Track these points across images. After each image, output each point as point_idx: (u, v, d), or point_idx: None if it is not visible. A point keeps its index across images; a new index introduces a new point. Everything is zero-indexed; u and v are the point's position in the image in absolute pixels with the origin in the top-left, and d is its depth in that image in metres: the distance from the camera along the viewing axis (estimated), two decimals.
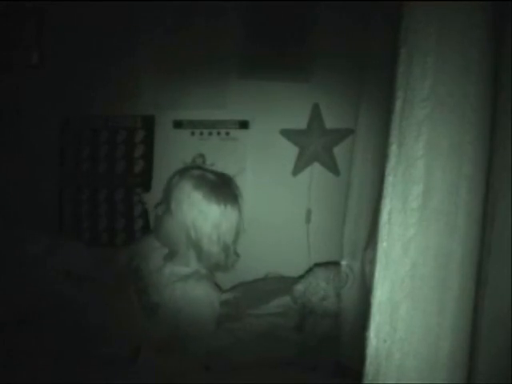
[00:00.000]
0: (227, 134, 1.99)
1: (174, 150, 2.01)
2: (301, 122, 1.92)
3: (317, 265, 1.83)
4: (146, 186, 2.03)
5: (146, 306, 1.57)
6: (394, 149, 0.86)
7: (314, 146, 1.91)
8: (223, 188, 1.65)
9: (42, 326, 1.47)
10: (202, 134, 2.00)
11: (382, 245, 0.85)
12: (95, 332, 1.47)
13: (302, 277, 1.80)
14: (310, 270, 1.82)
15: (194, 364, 1.47)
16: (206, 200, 1.59)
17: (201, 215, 1.59)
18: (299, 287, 1.75)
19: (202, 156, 1.99)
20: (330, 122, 1.91)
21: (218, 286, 1.70)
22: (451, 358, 0.83)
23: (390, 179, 0.86)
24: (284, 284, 1.82)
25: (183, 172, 1.67)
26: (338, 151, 1.91)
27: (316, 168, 1.93)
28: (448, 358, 0.83)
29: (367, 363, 0.85)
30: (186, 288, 1.58)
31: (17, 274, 1.55)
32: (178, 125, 2.02)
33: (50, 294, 1.54)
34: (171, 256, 1.69)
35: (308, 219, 1.94)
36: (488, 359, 0.89)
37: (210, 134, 2.00)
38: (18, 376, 1.31)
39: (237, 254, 1.70)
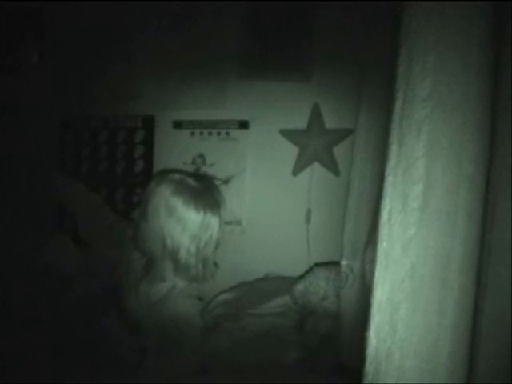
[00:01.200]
0: (227, 134, 1.99)
1: (174, 149, 2.01)
2: (301, 122, 1.92)
3: (317, 265, 1.84)
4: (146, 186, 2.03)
5: (127, 325, 1.53)
6: (394, 149, 0.86)
7: (314, 146, 1.91)
8: (204, 195, 1.56)
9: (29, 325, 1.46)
10: (202, 134, 2.00)
11: (382, 245, 0.85)
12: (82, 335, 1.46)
13: (302, 277, 1.81)
14: (310, 270, 1.82)
15: (192, 366, 1.47)
16: (184, 208, 1.51)
17: (179, 225, 1.51)
18: (299, 287, 1.75)
19: (201, 156, 1.99)
20: (330, 122, 1.91)
21: (198, 298, 1.64)
22: (451, 358, 0.83)
23: (389, 179, 0.86)
24: (284, 284, 1.82)
25: (162, 176, 1.58)
26: (338, 151, 1.91)
27: (316, 168, 1.93)
28: (448, 358, 0.83)
29: (367, 363, 0.85)
30: (165, 309, 1.52)
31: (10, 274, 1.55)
32: (178, 125, 2.02)
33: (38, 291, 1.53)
34: (149, 267, 1.62)
35: (308, 219, 1.94)
36: (488, 359, 0.89)
37: (210, 134, 2.00)
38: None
39: (216, 265, 1.62)
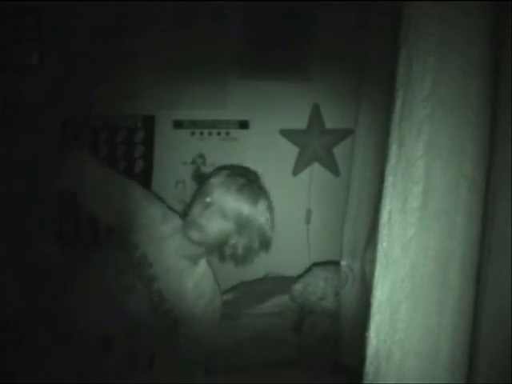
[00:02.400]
0: (227, 133, 1.99)
1: (174, 150, 2.01)
2: (301, 122, 1.92)
3: (315, 264, 1.84)
4: (146, 186, 2.03)
5: (156, 308, 1.51)
6: (394, 149, 0.86)
7: (314, 145, 1.91)
8: (265, 198, 1.54)
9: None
10: (202, 133, 2.00)
11: (382, 245, 0.85)
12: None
13: (300, 276, 1.81)
14: (308, 270, 1.83)
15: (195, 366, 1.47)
16: (252, 210, 1.47)
17: (243, 224, 1.46)
18: (298, 286, 1.75)
19: (201, 156, 1.99)
20: (330, 122, 1.91)
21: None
22: (451, 358, 0.83)
23: (390, 179, 0.86)
24: (283, 284, 1.82)
25: (232, 177, 1.51)
26: (338, 151, 1.91)
27: (316, 168, 1.93)
28: (448, 358, 0.83)
29: (367, 363, 0.85)
30: (192, 286, 1.51)
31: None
32: (178, 125, 2.02)
33: None
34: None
35: (308, 219, 1.94)
36: (488, 359, 0.89)
37: (210, 134, 2.00)
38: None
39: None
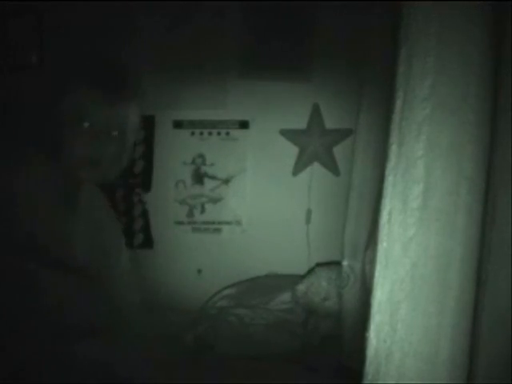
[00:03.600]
0: (227, 134, 1.99)
1: (174, 149, 2.01)
2: (301, 122, 1.92)
3: (318, 265, 1.84)
4: (146, 186, 2.03)
5: None
6: (394, 149, 0.86)
7: (314, 146, 1.92)
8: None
9: None
10: (202, 134, 2.00)
11: (382, 245, 0.85)
12: None
13: (303, 277, 1.81)
14: (311, 270, 1.83)
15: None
16: None
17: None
18: (301, 287, 1.76)
19: (201, 156, 1.99)
20: (330, 122, 1.91)
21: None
22: (451, 358, 0.83)
23: (389, 179, 0.86)
24: (286, 281, 1.82)
25: None
26: (338, 151, 1.91)
27: (316, 168, 1.93)
28: (448, 358, 0.83)
29: (367, 363, 0.85)
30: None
31: None
32: (178, 125, 2.02)
33: None
34: None
35: (308, 219, 1.94)
36: (488, 359, 0.89)
37: (210, 133, 2.00)
38: None
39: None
